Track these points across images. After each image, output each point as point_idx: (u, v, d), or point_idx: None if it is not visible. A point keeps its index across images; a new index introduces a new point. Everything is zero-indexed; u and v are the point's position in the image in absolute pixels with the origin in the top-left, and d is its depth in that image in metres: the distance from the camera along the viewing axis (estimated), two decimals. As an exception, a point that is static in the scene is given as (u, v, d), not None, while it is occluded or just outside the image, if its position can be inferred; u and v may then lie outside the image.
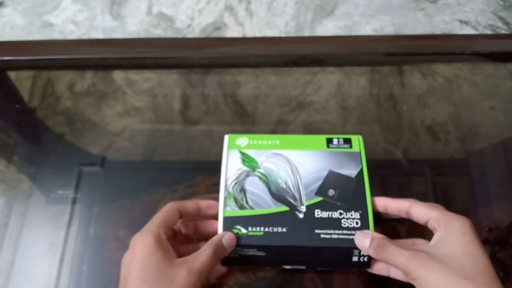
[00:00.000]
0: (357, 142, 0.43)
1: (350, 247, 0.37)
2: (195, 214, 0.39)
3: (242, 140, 0.43)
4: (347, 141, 0.43)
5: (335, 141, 0.43)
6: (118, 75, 0.59)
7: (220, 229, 0.37)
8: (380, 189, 0.47)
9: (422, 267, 0.32)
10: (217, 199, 0.40)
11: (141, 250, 0.33)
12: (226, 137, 0.43)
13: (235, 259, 0.38)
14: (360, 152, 0.42)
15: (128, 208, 0.47)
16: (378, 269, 0.38)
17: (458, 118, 0.54)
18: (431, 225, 0.35)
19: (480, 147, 0.53)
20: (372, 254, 0.35)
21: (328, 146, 0.42)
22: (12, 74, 0.59)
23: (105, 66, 0.59)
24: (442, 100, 0.56)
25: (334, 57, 0.57)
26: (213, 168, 0.48)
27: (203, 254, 0.34)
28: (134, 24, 0.85)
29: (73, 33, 0.84)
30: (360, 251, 0.37)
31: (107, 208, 0.48)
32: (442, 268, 0.31)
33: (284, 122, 0.54)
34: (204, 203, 0.39)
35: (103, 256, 0.45)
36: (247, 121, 0.54)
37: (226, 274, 0.42)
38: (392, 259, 0.33)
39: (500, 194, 0.49)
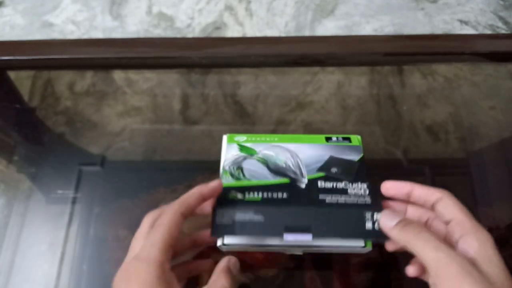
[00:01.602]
0: (356, 141, 0.43)
1: (360, 210, 0.33)
2: (198, 207, 0.34)
3: (241, 137, 0.43)
4: (346, 139, 0.43)
5: (334, 139, 0.43)
6: (118, 75, 0.59)
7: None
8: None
9: (451, 278, 0.26)
10: (217, 199, 0.40)
11: (140, 285, 0.26)
12: (225, 137, 0.43)
13: (230, 226, 0.34)
14: (360, 146, 0.42)
15: (128, 208, 0.47)
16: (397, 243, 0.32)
17: (458, 118, 0.54)
18: (452, 227, 0.30)
19: (480, 147, 0.53)
20: (395, 235, 0.30)
21: (327, 142, 0.42)
22: (12, 74, 0.59)
23: (105, 66, 0.59)
24: (442, 100, 0.56)
25: (334, 57, 0.57)
26: (213, 168, 0.48)
27: None
28: (134, 24, 0.85)
29: (73, 33, 0.84)
30: (373, 215, 0.33)
31: (107, 208, 0.48)
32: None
33: (284, 122, 0.54)
34: (206, 189, 0.33)
35: (103, 256, 0.45)
36: (247, 121, 0.54)
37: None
38: (418, 247, 0.28)
39: (500, 194, 0.48)
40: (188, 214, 0.32)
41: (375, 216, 0.33)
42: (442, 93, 0.57)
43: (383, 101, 0.56)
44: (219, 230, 0.34)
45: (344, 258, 0.43)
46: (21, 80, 0.59)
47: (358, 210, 0.34)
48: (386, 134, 0.53)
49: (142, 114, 0.55)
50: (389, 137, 0.53)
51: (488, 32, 0.81)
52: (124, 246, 0.35)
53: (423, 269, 0.32)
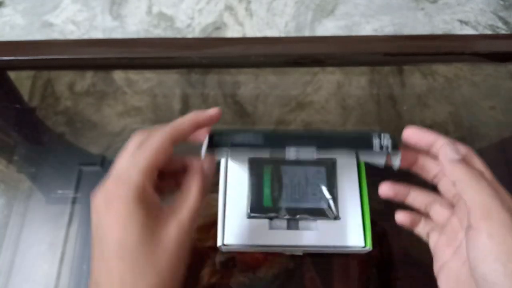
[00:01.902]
0: None
1: (366, 131, 0.32)
2: (191, 135, 0.31)
3: None
4: None
5: None
6: (118, 75, 0.59)
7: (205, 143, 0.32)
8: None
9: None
10: (217, 199, 0.40)
11: (121, 208, 0.26)
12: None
13: (227, 140, 0.33)
14: None
15: None
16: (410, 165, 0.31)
17: (458, 118, 0.54)
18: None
19: (480, 147, 0.53)
20: (454, 168, 0.28)
21: None
22: (12, 74, 0.59)
23: (105, 66, 0.59)
24: (442, 100, 0.56)
25: (334, 57, 0.57)
26: (213, 168, 0.48)
27: (191, 201, 0.28)
28: (134, 24, 0.85)
29: (73, 33, 0.84)
30: (380, 133, 0.32)
31: (107, 208, 0.48)
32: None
33: (284, 122, 0.54)
34: (202, 118, 0.31)
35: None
36: (247, 121, 0.54)
37: (226, 274, 0.42)
38: (473, 189, 0.27)
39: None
40: (179, 140, 0.30)
41: (382, 134, 0.32)
42: (442, 93, 0.57)
43: (383, 101, 0.56)
44: (215, 142, 0.32)
45: (344, 258, 0.43)
46: (21, 80, 0.59)
47: (364, 131, 0.33)
48: (386, 134, 0.53)
49: (142, 114, 0.55)
50: (389, 137, 0.53)
51: (488, 32, 0.81)
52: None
53: (414, 221, 0.31)
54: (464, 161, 0.29)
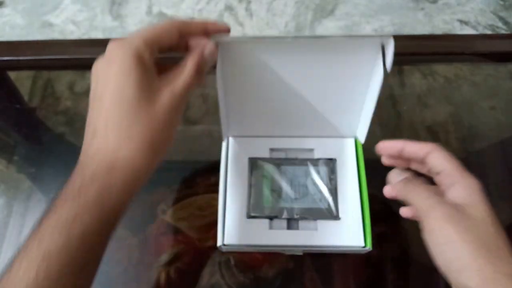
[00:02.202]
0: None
1: None
2: (198, 33, 0.32)
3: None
4: None
5: None
6: (118, 75, 0.59)
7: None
8: (380, 190, 0.47)
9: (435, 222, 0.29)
10: (217, 199, 0.40)
11: (119, 63, 0.27)
12: (225, 139, 0.43)
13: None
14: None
15: (128, 208, 0.47)
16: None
17: (458, 118, 0.54)
18: (442, 178, 0.32)
19: (480, 147, 0.53)
20: (399, 188, 0.34)
21: None
22: (12, 74, 0.59)
23: (105, 66, 0.59)
24: (442, 100, 0.56)
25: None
26: (213, 168, 0.48)
27: (185, 74, 0.30)
28: (134, 24, 0.85)
29: (73, 33, 0.84)
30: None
31: (107, 208, 0.48)
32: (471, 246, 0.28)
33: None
34: (212, 25, 0.32)
35: (103, 256, 0.45)
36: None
37: (226, 274, 0.42)
38: (414, 197, 0.32)
39: (500, 194, 0.48)
40: (185, 32, 0.31)
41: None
42: (442, 93, 0.57)
43: (383, 101, 0.56)
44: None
45: (344, 258, 0.43)
46: (21, 80, 0.59)
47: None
48: (386, 134, 0.53)
49: (142, 114, 0.55)
50: (389, 137, 0.52)
51: (488, 32, 0.81)
52: (124, 246, 0.35)
53: (415, 211, 0.34)
54: (407, 179, 0.34)
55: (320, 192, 0.41)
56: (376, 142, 0.52)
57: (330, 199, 0.40)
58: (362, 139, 0.42)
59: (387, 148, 0.36)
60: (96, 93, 0.29)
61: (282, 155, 0.44)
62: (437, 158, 0.33)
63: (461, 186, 0.31)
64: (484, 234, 0.28)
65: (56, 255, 0.24)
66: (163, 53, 0.30)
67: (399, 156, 0.36)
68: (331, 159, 0.42)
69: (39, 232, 0.25)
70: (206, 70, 0.31)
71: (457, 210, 0.29)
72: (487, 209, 0.30)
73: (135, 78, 0.27)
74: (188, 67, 0.30)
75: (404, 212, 0.35)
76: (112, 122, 0.27)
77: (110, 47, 0.29)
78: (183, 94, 0.29)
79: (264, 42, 0.35)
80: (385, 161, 0.37)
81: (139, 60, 0.28)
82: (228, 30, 0.32)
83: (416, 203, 0.32)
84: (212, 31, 0.32)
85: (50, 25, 0.85)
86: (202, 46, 0.31)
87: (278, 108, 0.41)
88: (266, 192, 0.41)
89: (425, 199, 0.31)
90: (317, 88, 0.39)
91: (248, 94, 0.40)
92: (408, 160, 0.36)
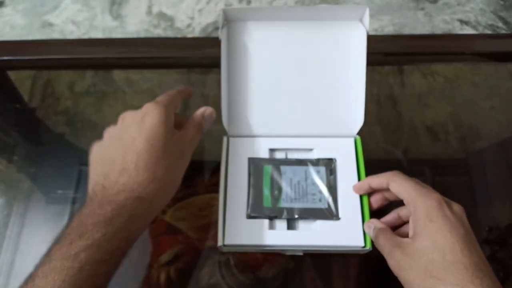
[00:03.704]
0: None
1: None
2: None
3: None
4: None
5: None
6: (118, 75, 0.59)
7: None
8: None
9: (396, 267, 0.32)
10: (217, 199, 0.40)
11: (156, 116, 0.34)
12: (225, 138, 0.43)
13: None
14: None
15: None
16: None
17: (458, 118, 0.54)
18: (407, 205, 0.35)
19: (480, 147, 0.53)
20: (373, 239, 0.37)
21: None
22: (12, 74, 0.59)
23: (105, 66, 0.59)
24: (442, 100, 0.56)
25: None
26: (213, 168, 0.48)
27: (190, 131, 0.37)
28: (134, 24, 0.85)
29: (73, 33, 0.84)
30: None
31: (107, 208, 0.48)
32: (413, 267, 0.31)
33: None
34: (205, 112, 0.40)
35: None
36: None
37: (226, 274, 0.42)
38: (382, 251, 0.35)
39: (500, 194, 0.49)
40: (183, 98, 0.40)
41: None
42: (442, 93, 0.57)
43: (383, 101, 0.56)
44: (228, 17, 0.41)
45: (344, 258, 0.43)
46: (21, 80, 0.59)
47: None
48: (386, 134, 0.53)
49: (142, 114, 0.55)
50: (389, 137, 0.53)
51: (488, 32, 0.81)
52: (124, 246, 0.35)
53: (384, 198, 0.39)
54: (375, 231, 0.37)
55: (320, 192, 0.41)
56: (376, 142, 0.52)
57: (330, 199, 0.40)
58: (359, 125, 0.43)
59: (359, 189, 0.40)
60: (125, 135, 0.34)
61: (281, 155, 0.44)
62: (395, 188, 0.36)
63: (412, 220, 0.34)
64: (427, 263, 0.31)
65: (97, 264, 0.30)
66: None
67: (375, 190, 0.39)
68: (330, 159, 0.42)
69: (71, 248, 0.29)
70: (206, 127, 0.40)
71: (403, 254, 0.32)
72: (433, 236, 0.31)
73: (164, 131, 0.34)
74: (192, 128, 0.38)
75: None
76: (142, 163, 0.33)
77: (148, 106, 0.36)
78: (190, 147, 0.37)
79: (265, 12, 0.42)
80: (356, 192, 0.41)
81: (169, 114, 0.35)
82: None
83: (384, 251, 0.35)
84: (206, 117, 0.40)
85: (50, 25, 0.85)
86: (203, 110, 0.39)
87: (276, 103, 0.43)
88: (266, 192, 0.41)
89: (388, 257, 0.34)
90: (312, 74, 0.43)
91: (247, 87, 0.43)
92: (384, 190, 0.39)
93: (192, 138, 0.37)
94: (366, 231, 0.38)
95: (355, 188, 0.40)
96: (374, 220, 0.38)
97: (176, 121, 0.37)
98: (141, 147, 0.33)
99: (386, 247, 0.34)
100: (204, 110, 0.40)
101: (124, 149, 0.34)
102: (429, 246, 0.31)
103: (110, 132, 0.36)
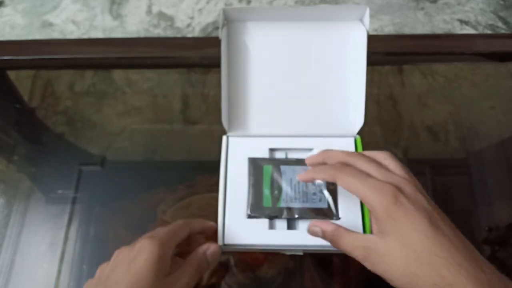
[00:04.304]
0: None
1: None
2: (197, 233, 0.38)
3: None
4: None
5: None
6: (118, 75, 0.59)
7: None
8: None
9: (376, 270, 0.32)
10: (217, 199, 0.40)
11: (148, 257, 0.31)
12: (224, 137, 0.43)
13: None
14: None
15: (128, 208, 0.47)
16: None
17: (458, 118, 0.54)
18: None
19: (480, 147, 0.53)
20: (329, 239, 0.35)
21: None
22: (12, 74, 0.59)
23: (105, 66, 0.59)
24: (442, 100, 0.56)
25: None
26: (213, 168, 0.48)
27: (185, 275, 0.33)
28: (134, 23, 0.85)
29: (73, 32, 0.84)
30: None
31: (107, 208, 0.48)
32: (391, 266, 0.30)
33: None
34: (208, 225, 0.38)
35: (103, 256, 0.45)
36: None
37: (226, 274, 0.42)
38: (351, 255, 0.33)
39: (500, 194, 0.49)
40: (192, 229, 0.36)
41: None
42: (442, 93, 0.57)
43: (383, 101, 0.56)
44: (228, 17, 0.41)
45: (344, 258, 0.43)
46: (21, 80, 0.59)
47: None
48: (386, 134, 0.53)
49: (142, 114, 0.55)
50: (389, 137, 0.53)
51: (488, 32, 0.81)
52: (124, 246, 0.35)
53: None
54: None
55: (320, 192, 0.41)
56: (377, 142, 0.52)
57: (330, 199, 0.40)
58: (359, 125, 0.43)
59: (303, 180, 0.38)
60: (112, 277, 0.31)
61: (281, 155, 0.44)
62: (344, 186, 0.34)
63: (373, 217, 0.33)
64: (402, 261, 0.30)
65: None
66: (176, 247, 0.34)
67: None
68: None
69: None
70: (208, 268, 0.35)
71: (378, 255, 0.32)
72: (400, 235, 0.31)
73: (153, 277, 0.30)
74: (188, 269, 0.33)
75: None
76: None
77: (143, 241, 0.32)
78: None
79: (266, 11, 0.41)
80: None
81: (164, 256, 0.32)
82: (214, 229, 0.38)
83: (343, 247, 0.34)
84: (207, 231, 0.37)
85: (50, 25, 0.85)
86: (206, 248, 0.35)
87: (276, 103, 0.43)
88: (266, 192, 0.41)
89: (357, 254, 0.33)
90: (312, 74, 0.43)
91: (247, 87, 0.43)
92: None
93: (188, 279, 0.33)
94: (314, 235, 0.36)
95: (300, 177, 0.38)
96: (315, 222, 0.36)
97: (173, 261, 0.34)
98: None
99: (358, 252, 0.32)
100: (207, 248, 0.35)
101: (107, 285, 0.31)
102: (399, 245, 0.30)
103: (101, 270, 0.33)
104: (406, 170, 0.34)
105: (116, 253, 0.33)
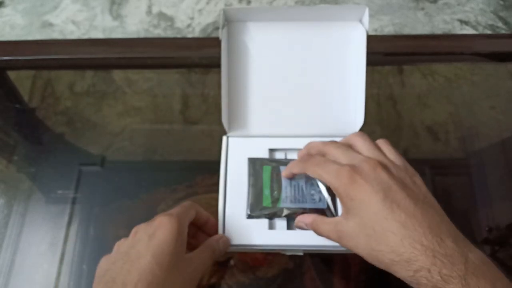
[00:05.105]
0: None
1: None
2: (200, 224, 0.38)
3: None
4: None
5: None
6: (118, 75, 0.59)
7: None
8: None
9: (351, 248, 0.33)
10: (217, 199, 0.40)
11: (168, 232, 0.32)
12: (225, 138, 0.43)
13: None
14: None
15: (128, 208, 0.47)
16: None
17: (458, 118, 0.54)
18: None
19: (480, 147, 0.53)
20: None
21: None
22: (12, 74, 0.59)
23: (105, 66, 0.59)
24: (442, 100, 0.56)
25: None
26: (213, 168, 0.48)
27: (202, 255, 0.34)
28: (134, 24, 0.85)
29: (73, 33, 0.84)
30: None
31: (107, 208, 0.48)
32: (358, 246, 0.32)
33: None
34: (212, 222, 0.39)
35: (103, 256, 0.45)
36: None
37: (226, 274, 0.42)
38: (328, 238, 0.35)
39: (500, 194, 0.49)
40: (196, 217, 0.37)
41: None
42: (442, 93, 0.57)
43: (383, 101, 0.56)
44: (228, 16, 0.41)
45: (344, 258, 0.43)
46: (21, 80, 0.59)
47: None
48: (386, 134, 0.53)
49: (142, 114, 0.55)
50: (389, 137, 0.53)
51: (488, 32, 0.81)
52: (124, 246, 0.35)
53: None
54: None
55: (320, 192, 0.41)
56: (376, 142, 0.52)
57: (329, 199, 0.40)
58: (359, 125, 0.43)
59: (286, 176, 0.40)
60: (132, 251, 0.32)
61: (281, 155, 0.44)
62: (314, 176, 0.36)
63: (339, 200, 0.34)
64: (365, 239, 0.32)
65: None
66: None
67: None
68: None
69: None
70: (219, 255, 0.36)
71: (347, 236, 0.33)
72: (358, 213, 0.32)
73: (174, 249, 0.32)
74: (205, 253, 0.35)
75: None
76: (144, 281, 0.30)
77: (160, 218, 0.33)
78: (200, 271, 0.34)
79: (266, 11, 0.42)
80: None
81: (182, 231, 0.33)
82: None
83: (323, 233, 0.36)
84: (210, 226, 0.38)
85: (50, 25, 0.85)
86: (219, 237, 0.37)
87: (276, 103, 0.43)
88: (266, 192, 0.41)
89: (332, 237, 0.35)
90: (312, 74, 0.43)
91: (247, 87, 0.43)
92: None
93: (204, 261, 0.34)
94: (300, 229, 0.38)
95: (284, 174, 0.40)
96: (299, 218, 0.38)
97: (189, 242, 0.35)
98: (145, 267, 0.31)
99: (332, 235, 0.34)
100: (220, 237, 0.38)
101: (127, 267, 0.31)
102: (359, 224, 0.32)
103: (119, 246, 0.34)
104: (372, 146, 0.35)
105: (134, 230, 0.34)
